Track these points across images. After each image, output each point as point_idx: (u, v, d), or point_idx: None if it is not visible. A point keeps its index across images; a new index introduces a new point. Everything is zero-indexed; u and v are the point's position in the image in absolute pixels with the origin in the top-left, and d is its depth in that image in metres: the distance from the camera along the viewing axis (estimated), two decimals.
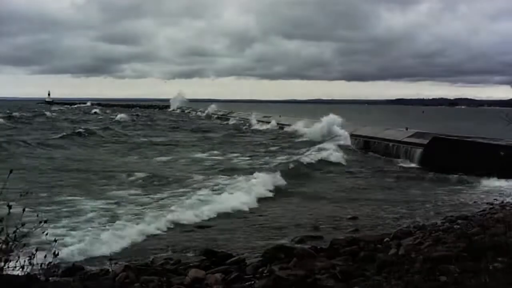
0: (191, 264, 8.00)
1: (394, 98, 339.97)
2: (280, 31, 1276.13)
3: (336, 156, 24.79)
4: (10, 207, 3.51)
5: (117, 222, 10.96)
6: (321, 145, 28.43)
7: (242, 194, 14.27)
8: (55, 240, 4.11)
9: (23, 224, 3.62)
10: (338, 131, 33.81)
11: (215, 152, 27.88)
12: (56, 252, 3.88)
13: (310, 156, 24.13)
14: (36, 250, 3.79)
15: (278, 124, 48.63)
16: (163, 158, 24.96)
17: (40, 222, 3.76)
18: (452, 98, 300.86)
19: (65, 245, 8.66)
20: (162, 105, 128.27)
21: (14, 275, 3.67)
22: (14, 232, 3.60)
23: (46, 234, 3.92)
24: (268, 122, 50.85)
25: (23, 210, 3.70)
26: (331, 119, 36.82)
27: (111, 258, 8.79)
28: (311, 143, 31.32)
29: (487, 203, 14.34)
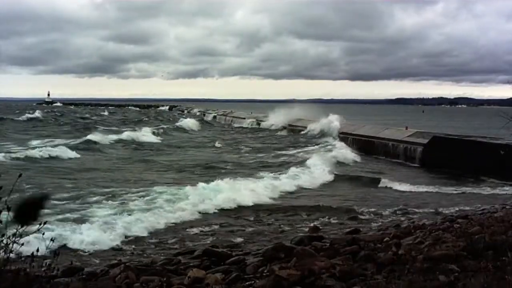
0: (191, 264, 8.00)
1: (394, 97, 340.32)
2: (293, 30, 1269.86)
3: None
4: (9, 208, 3.50)
5: None
6: None
7: None
8: (52, 240, 4.11)
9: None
10: None
11: None
12: (57, 252, 3.88)
13: None
14: (37, 251, 3.79)
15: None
16: None
17: (40, 223, 3.75)
18: (452, 97, 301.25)
19: None
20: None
21: (13, 275, 3.66)
22: (15, 232, 3.59)
23: (43, 234, 3.91)
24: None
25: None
26: None
27: (110, 258, 8.80)
28: None
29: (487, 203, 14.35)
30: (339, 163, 23.02)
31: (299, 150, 29.16)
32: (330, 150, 27.52)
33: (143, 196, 14.25)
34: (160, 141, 35.90)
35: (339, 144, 30.80)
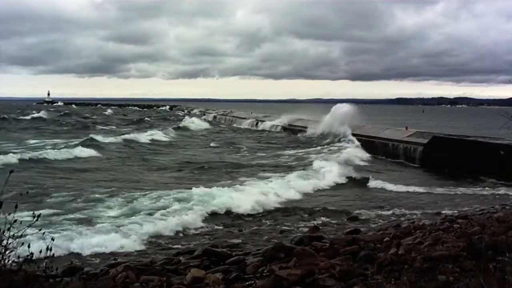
0: (191, 264, 8.00)
1: (394, 97, 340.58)
2: (293, 30, 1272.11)
3: None
4: (1, 204, 3.49)
5: None
6: None
7: None
8: (53, 239, 4.10)
9: (15, 221, 3.60)
10: None
11: None
12: (54, 252, 3.88)
13: None
14: (40, 252, 3.78)
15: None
16: None
17: (34, 217, 3.74)
18: (452, 97, 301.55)
19: None
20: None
21: (13, 275, 3.66)
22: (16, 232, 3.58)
23: (44, 233, 3.91)
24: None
25: (16, 206, 3.67)
26: None
27: (110, 258, 8.79)
28: None
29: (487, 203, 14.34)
30: (347, 164, 22.75)
31: (300, 151, 29.15)
32: (338, 151, 27.40)
33: (148, 197, 14.27)
34: (165, 141, 36.03)
35: (346, 143, 30.60)
